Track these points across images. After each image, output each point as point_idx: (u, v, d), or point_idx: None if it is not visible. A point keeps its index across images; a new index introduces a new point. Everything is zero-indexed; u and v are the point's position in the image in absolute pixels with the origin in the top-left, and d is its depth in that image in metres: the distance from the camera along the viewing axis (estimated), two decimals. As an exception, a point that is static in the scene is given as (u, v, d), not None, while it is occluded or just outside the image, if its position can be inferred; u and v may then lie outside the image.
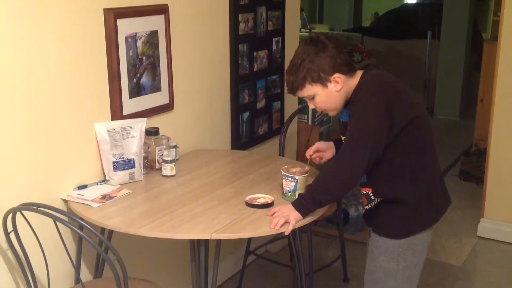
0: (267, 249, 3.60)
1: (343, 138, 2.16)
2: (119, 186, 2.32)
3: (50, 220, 1.80)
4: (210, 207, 2.15)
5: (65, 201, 2.22)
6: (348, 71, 2.05)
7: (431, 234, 2.16)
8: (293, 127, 3.67)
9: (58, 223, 1.81)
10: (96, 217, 2.05)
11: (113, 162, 2.34)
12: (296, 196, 2.12)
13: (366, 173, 2.03)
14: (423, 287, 2.33)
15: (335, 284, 3.35)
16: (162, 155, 2.47)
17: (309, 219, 2.07)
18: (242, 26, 3.10)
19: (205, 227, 1.98)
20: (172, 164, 2.44)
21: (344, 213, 3.79)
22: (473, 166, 4.91)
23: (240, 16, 3.07)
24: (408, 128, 1.99)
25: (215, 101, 3.05)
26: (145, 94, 2.57)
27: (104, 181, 2.35)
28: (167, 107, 2.70)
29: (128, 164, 2.36)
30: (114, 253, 1.80)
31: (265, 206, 2.13)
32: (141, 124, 2.41)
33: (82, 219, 1.96)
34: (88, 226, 1.79)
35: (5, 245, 2.02)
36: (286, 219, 1.99)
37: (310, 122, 3.75)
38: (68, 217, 1.85)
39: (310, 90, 2.06)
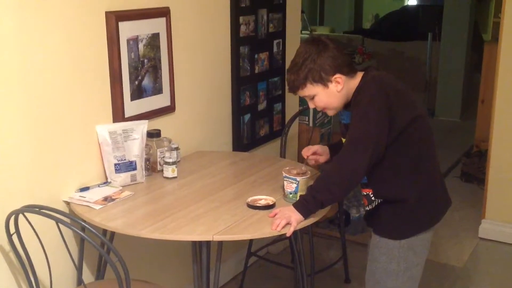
0: (269, 250, 3.60)
1: (343, 140, 2.16)
2: (121, 188, 2.33)
3: (53, 222, 1.81)
4: (211, 209, 2.15)
5: (67, 203, 2.22)
6: (349, 72, 2.06)
7: (431, 234, 2.17)
8: (294, 129, 3.67)
9: (60, 225, 1.81)
10: (98, 218, 2.06)
11: (115, 164, 2.35)
12: (298, 198, 2.13)
13: (366, 173, 2.04)
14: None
15: (336, 285, 3.35)
16: (163, 157, 2.47)
17: (310, 220, 2.06)
18: (243, 28, 3.11)
19: (206, 229, 1.99)
20: (174, 166, 2.45)
21: (346, 214, 3.78)
22: (474, 167, 4.91)
23: (241, 18, 3.08)
24: (409, 129, 2.00)
25: (216, 103, 3.05)
26: (147, 96, 2.58)
27: (106, 183, 2.35)
28: (169, 109, 2.71)
29: (129, 166, 2.37)
30: (116, 254, 1.80)
31: (266, 207, 2.13)
32: (143, 126, 2.42)
33: (84, 221, 1.96)
34: (90, 228, 1.79)
35: (7, 247, 2.03)
36: (288, 220, 1.99)
37: (311, 124, 3.74)
38: (70, 219, 1.86)
39: (311, 89, 2.06)
